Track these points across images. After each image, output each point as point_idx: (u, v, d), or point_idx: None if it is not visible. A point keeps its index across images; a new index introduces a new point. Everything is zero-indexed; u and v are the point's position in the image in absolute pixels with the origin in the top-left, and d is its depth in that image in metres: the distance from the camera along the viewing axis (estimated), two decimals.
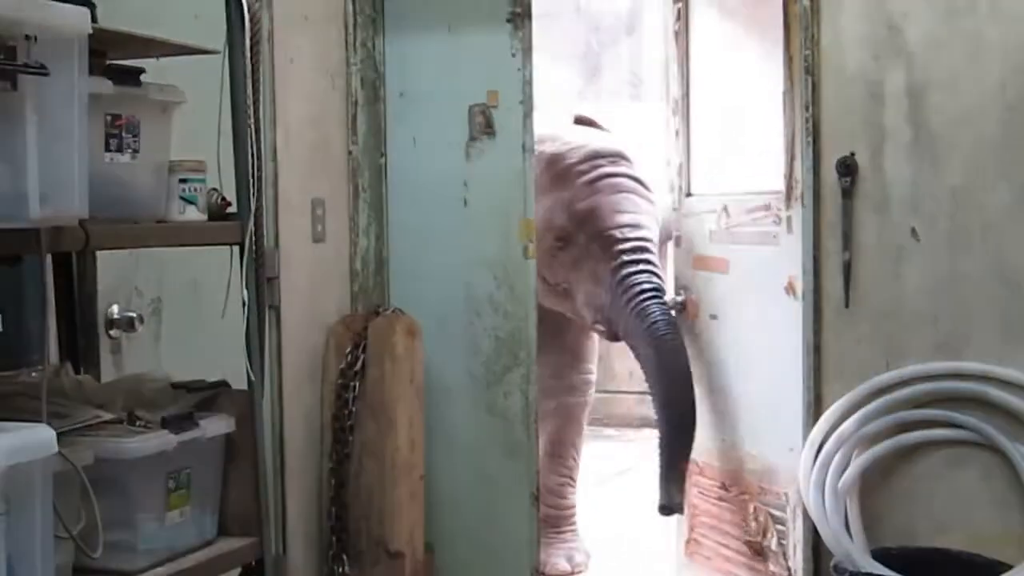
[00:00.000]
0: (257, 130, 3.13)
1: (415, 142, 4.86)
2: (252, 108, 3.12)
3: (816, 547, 4.27)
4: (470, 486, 4.83)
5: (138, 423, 2.93)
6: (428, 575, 4.67)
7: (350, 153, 4.79)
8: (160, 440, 2.87)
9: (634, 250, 5.25)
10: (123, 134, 2.80)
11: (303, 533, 4.52)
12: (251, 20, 3.09)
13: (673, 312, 5.14)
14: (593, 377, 6.17)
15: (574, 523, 6.03)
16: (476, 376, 4.81)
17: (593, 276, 5.35)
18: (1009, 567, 3.88)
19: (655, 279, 5.21)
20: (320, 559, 4.58)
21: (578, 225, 5.37)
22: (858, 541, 4.09)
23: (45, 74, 2.34)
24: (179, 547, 2.98)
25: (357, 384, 4.53)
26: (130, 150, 2.83)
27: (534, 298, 4.73)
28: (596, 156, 5.46)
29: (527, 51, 4.66)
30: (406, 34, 4.85)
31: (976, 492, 4.11)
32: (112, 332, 3.61)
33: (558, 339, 5.78)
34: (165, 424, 2.92)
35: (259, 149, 3.14)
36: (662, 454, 5.09)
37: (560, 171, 5.45)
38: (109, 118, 2.76)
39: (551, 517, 5.80)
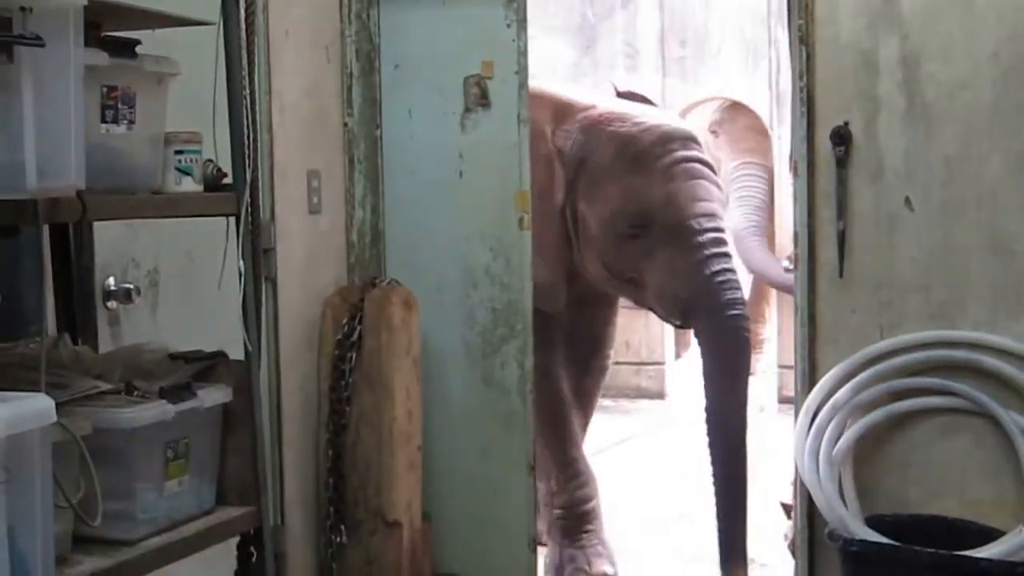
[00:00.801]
0: (252, 102, 3.14)
1: (410, 114, 4.87)
2: (248, 80, 3.13)
3: (811, 514, 4.28)
4: (467, 456, 4.85)
5: (136, 393, 2.95)
6: (426, 544, 4.69)
7: (345, 125, 4.80)
8: (158, 410, 2.89)
9: (714, 242, 5.13)
10: (119, 105, 2.81)
11: (301, 503, 4.55)
12: None
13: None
14: (610, 363, 6.20)
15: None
16: (472, 347, 4.83)
17: (670, 267, 5.16)
18: (1002, 533, 3.90)
19: (735, 276, 5.22)
20: (318, 529, 4.62)
21: (654, 213, 5.16)
22: (852, 508, 4.11)
23: (41, 45, 2.35)
24: (178, 516, 3.01)
25: (354, 355, 4.55)
26: (126, 121, 2.84)
27: (529, 269, 4.75)
28: (669, 139, 5.27)
29: (522, 22, 4.66)
30: (400, 6, 4.85)
31: (969, 459, 4.12)
32: (109, 304, 3.62)
33: (580, 323, 5.79)
34: (163, 394, 2.94)
35: (254, 121, 3.15)
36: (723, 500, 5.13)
37: (634, 155, 5.24)
38: (105, 89, 2.77)
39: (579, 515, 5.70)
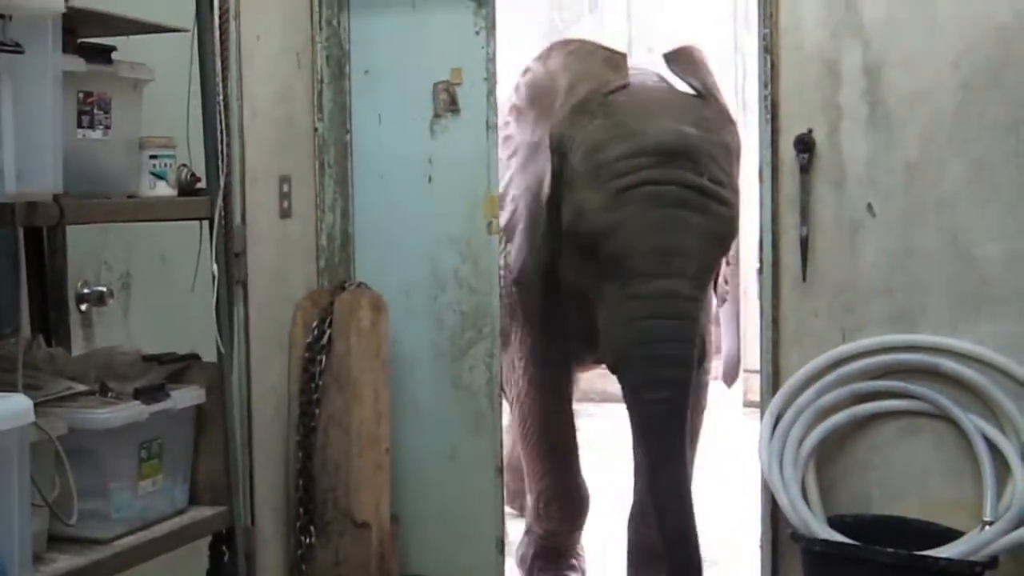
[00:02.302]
0: (226, 107, 3.19)
1: (380, 119, 4.91)
2: (221, 85, 3.17)
3: (775, 515, 4.34)
4: (435, 458, 4.89)
5: (110, 394, 2.99)
6: (394, 545, 4.73)
7: (316, 130, 4.84)
8: (132, 411, 2.93)
9: (658, 294, 4.37)
10: (95, 111, 2.85)
11: (271, 504, 4.58)
12: None
13: None
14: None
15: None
16: (441, 350, 4.87)
17: (607, 307, 4.52)
18: (961, 533, 3.97)
19: (676, 341, 4.43)
20: (287, 530, 4.65)
21: (596, 240, 4.42)
22: (815, 509, 4.17)
23: (20, 52, 2.39)
24: (151, 516, 3.04)
25: (324, 358, 4.59)
26: (102, 126, 2.88)
27: (498, 273, 4.79)
28: (645, 152, 4.36)
29: (490, 29, 4.71)
30: (371, 12, 4.89)
31: (929, 461, 4.20)
32: (82, 306, 3.64)
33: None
34: (137, 395, 2.98)
35: (227, 125, 3.20)
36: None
37: (596, 165, 4.43)
38: (81, 95, 2.82)
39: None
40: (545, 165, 4.66)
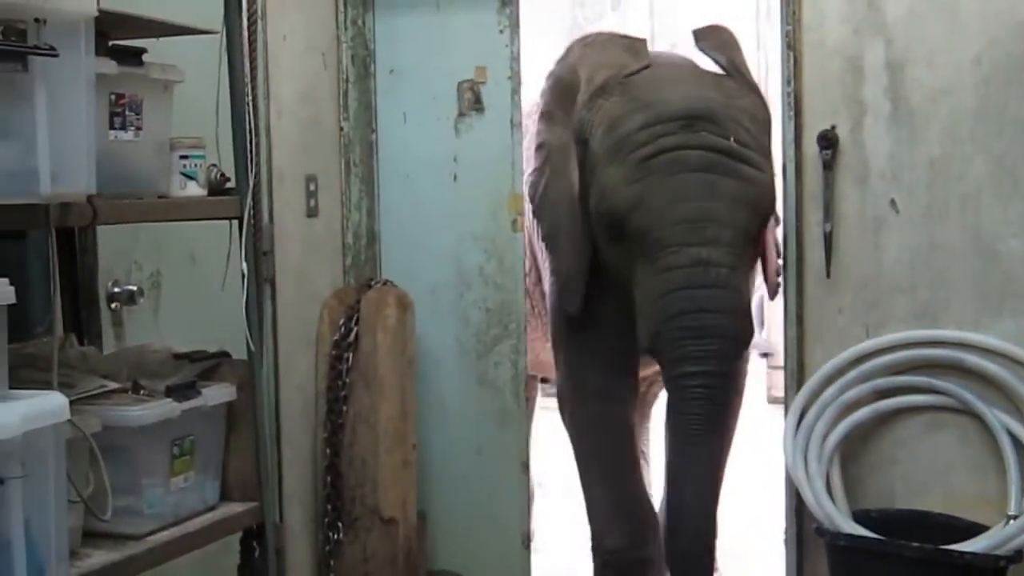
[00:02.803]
0: (255, 107, 3.23)
1: (405, 118, 4.94)
2: (250, 86, 3.21)
3: (799, 511, 4.36)
4: (462, 454, 4.93)
5: (142, 392, 3.03)
6: (421, 541, 4.77)
7: (341, 129, 4.88)
8: (165, 408, 2.97)
9: (692, 262, 4.06)
10: (126, 112, 2.90)
11: (299, 501, 4.63)
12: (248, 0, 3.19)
13: None
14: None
15: None
16: (467, 347, 4.91)
17: (641, 286, 4.19)
18: (985, 528, 3.98)
19: (712, 312, 4.06)
20: (316, 526, 4.69)
21: (622, 218, 4.15)
22: (840, 504, 4.18)
23: (55, 55, 2.43)
24: (183, 512, 3.09)
25: (350, 355, 4.63)
26: (133, 128, 2.92)
27: (523, 270, 4.82)
28: (662, 119, 4.13)
29: (515, 27, 4.74)
30: (395, 11, 4.92)
31: (953, 456, 4.21)
32: (113, 305, 3.69)
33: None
34: (169, 393, 3.02)
35: (256, 125, 3.24)
36: None
37: (616, 140, 4.19)
38: (113, 97, 2.86)
39: None
40: (573, 163, 4.35)
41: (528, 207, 4.80)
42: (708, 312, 3.96)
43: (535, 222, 4.75)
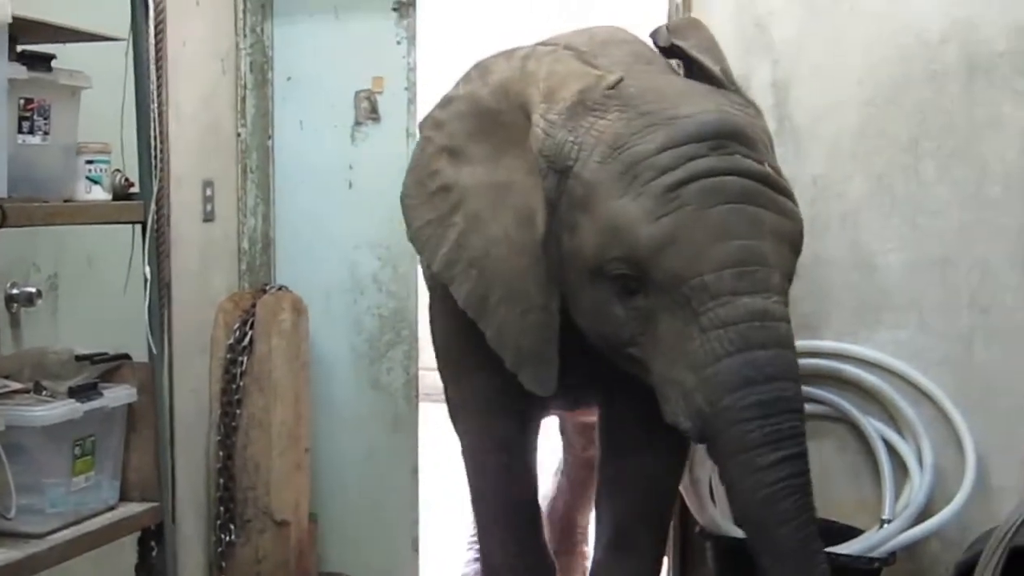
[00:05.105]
0: (160, 114, 3.28)
1: (302, 125, 4.99)
2: (156, 93, 3.26)
3: (683, 515, 4.46)
4: (354, 458, 4.98)
5: (44, 393, 3.07)
6: (312, 544, 4.82)
7: (239, 135, 4.93)
8: (67, 408, 3.02)
9: (748, 315, 3.12)
10: (35, 117, 2.94)
11: (192, 503, 4.65)
12: (155, 8, 3.24)
13: None
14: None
15: None
16: (360, 352, 4.97)
17: (674, 350, 3.19)
18: (861, 531, 4.11)
19: (787, 380, 3.20)
20: (208, 528, 4.73)
21: (645, 262, 3.16)
22: (721, 507, 4.28)
23: None
24: (84, 511, 3.14)
25: (245, 359, 4.67)
26: (41, 132, 2.97)
27: (417, 278, 4.89)
28: (688, 139, 3.18)
29: (412, 39, 4.81)
30: (294, 20, 4.98)
31: (831, 463, 4.33)
32: (12, 307, 3.70)
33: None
34: (72, 394, 3.06)
35: (162, 132, 3.29)
36: None
37: (627, 164, 3.20)
38: (22, 101, 2.90)
39: None
40: (528, 201, 3.36)
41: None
42: (778, 381, 3.06)
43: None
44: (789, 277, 3.25)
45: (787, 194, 3.23)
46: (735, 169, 3.11)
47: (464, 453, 4.09)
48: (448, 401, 4.10)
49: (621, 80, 3.28)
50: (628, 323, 3.19)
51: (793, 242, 3.24)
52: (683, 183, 3.07)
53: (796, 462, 3.03)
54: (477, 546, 4.59)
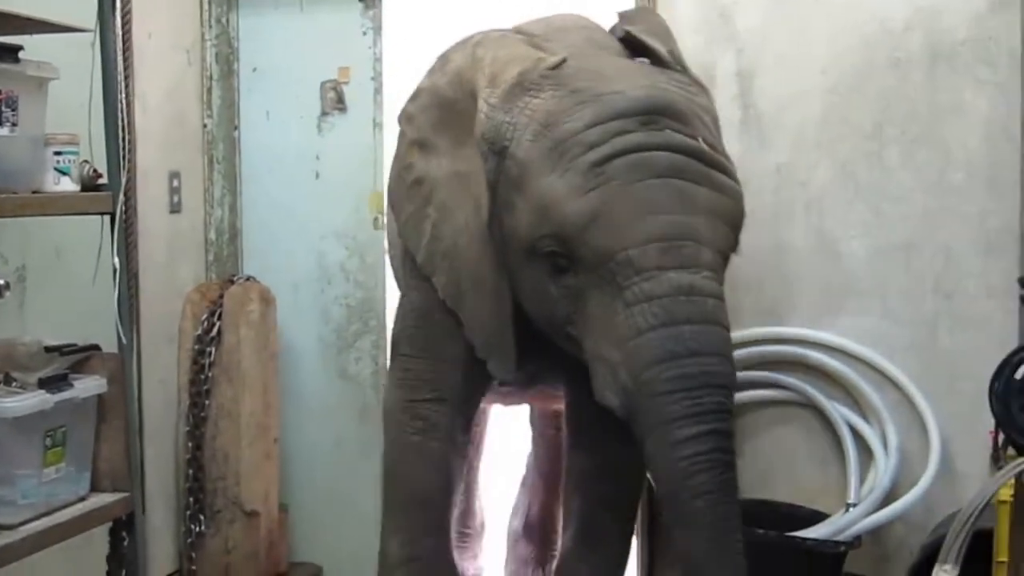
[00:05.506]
0: (128, 105, 3.28)
1: (268, 116, 5.00)
2: (123, 84, 3.26)
3: (651, 500, 4.49)
4: (323, 448, 5.00)
5: (14, 384, 3.07)
6: (282, 534, 4.83)
7: (205, 126, 4.93)
8: (38, 400, 3.03)
9: (674, 289, 3.08)
10: (2, 108, 2.94)
11: (161, 493, 4.66)
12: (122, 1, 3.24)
13: None
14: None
15: None
16: (328, 342, 4.98)
17: (602, 325, 3.13)
18: (827, 516, 4.16)
19: (712, 352, 3.09)
20: (178, 519, 4.74)
21: (572, 239, 3.12)
22: None
23: None
24: (56, 502, 3.15)
25: (213, 350, 4.67)
26: (9, 124, 2.96)
27: (384, 267, 4.90)
28: (616, 115, 3.14)
29: (378, 30, 4.82)
30: (259, 10, 4.98)
31: (797, 448, 4.37)
32: None
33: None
34: (42, 385, 3.07)
35: (129, 123, 3.29)
36: None
37: (555, 141, 3.17)
38: None
39: None
40: (482, 188, 3.32)
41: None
42: (703, 356, 2.97)
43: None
44: (725, 254, 3.18)
45: (723, 169, 3.16)
46: (665, 144, 3.06)
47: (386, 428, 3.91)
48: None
49: (564, 61, 3.26)
50: (560, 301, 3.16)
51: (730, 218, 3.17)
52: (609, 158, 3.04)
53: (717, 437, 2.92)
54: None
